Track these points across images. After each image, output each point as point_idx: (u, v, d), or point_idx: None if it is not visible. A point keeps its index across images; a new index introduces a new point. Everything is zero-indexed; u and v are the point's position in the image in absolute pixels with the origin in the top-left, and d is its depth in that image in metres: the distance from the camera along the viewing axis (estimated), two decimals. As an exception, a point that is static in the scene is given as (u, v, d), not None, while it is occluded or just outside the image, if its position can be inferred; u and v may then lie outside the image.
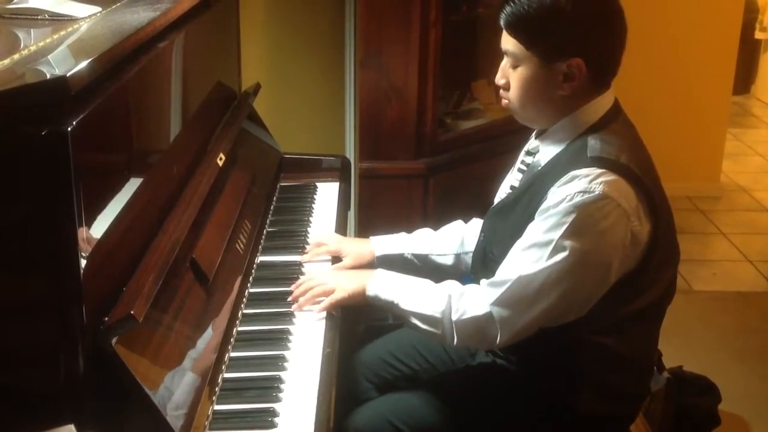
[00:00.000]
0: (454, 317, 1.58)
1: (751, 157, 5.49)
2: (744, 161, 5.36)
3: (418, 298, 1.64)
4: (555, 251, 1.49)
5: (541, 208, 1.53)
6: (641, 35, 4.40)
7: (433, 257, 1.94)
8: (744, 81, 6.42)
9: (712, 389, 2.56)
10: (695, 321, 3.42)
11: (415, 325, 1.64)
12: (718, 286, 3.76)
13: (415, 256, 1.94)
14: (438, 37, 2.75)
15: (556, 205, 1.50)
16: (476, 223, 1.96)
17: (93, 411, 1.16)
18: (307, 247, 1.99)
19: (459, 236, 1.95)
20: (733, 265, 3.97)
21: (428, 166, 2.86)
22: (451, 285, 1.65)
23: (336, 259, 1.95)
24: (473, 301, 1.58)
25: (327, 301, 1.70)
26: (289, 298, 1.74)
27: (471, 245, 1.90)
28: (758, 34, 6.46)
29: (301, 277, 1.81)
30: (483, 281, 1.60)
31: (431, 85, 2.79)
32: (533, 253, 1.52)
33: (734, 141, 5.55)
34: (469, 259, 1.92)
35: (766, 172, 5.23)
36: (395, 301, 1.66)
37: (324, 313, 1.70)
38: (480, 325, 1.56)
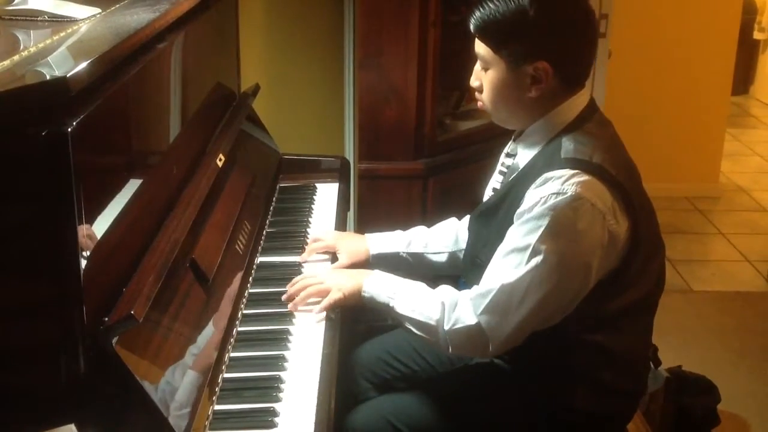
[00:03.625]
0: (446, 326, 1.58)
1: (750, 157, 5.50)
2: (743, 161, 5.37)
3: (414, 304, 1.64)
4: (533, 255, 1.50)
5: (518, 211, 1.54)
6: (640, 36, 4.43)
7: (428, 255, 1.96)
8: (743, 81, 6.45)
9: (711, 389, 2.57)
10: (694, 321, 3.42)
11: (410, 330, 1.65)
12: (717, 286, 3.77)
13: (410, 254, 1.96)
14: (437, 38, 2.76)
15: (531, 209, 1.51)
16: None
17: (93, 411, 1.16)
18: (306, 247, 2.00)
19: (453, 234, 1.95)
20: (732, 265, 3.98)
21: (427, 166, 2.86)
22: (445, 292, 1.64)
23: (333, 257, 1.96)
24: (463, 311, 1.58)
25: (325, 302, 1.70)
26: (284, 297, 1.74)
27: (465, 242, 1.91)
28: (757, 35, 6.49)
29: (297, 276, 1.81)
30: (469, 291, 1.60)
31: (430, 85, 2.79)
32: (513, 259, 1.52)
33: (733, 141, 5.56)
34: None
35: (764, 172, 5.25)
36: (391, 305, 1.66)
37: (323, 313, 1.70)
38: (471, 335, 1.57)
